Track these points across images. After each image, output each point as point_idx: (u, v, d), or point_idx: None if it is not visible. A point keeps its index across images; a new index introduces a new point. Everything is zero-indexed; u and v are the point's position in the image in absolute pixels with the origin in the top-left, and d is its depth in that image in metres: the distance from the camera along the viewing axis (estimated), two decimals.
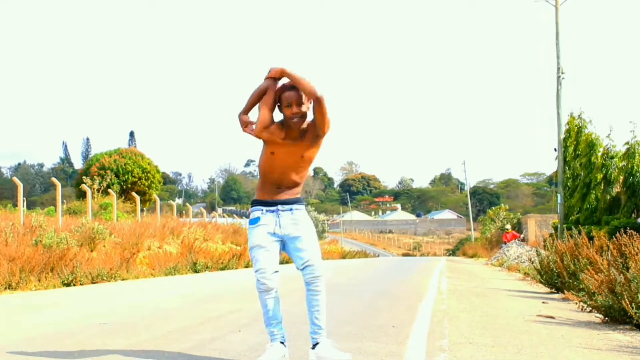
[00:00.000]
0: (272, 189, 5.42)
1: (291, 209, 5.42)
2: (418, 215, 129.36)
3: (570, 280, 12.50)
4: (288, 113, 5.25)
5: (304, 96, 5.22)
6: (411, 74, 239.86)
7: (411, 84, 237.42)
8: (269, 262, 5.38)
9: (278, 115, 5.35)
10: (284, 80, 5.33)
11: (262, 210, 5.41)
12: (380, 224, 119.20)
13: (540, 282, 15.02)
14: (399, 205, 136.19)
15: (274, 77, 5.30)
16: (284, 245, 5.47)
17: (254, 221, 5.42)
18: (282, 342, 5.42)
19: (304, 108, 5.24)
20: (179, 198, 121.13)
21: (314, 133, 5.33)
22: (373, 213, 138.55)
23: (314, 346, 5.40)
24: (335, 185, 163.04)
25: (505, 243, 35.04)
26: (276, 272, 5.40)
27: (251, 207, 5.53)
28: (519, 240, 34.63)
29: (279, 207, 5.39)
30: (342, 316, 8.54)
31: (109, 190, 28.82)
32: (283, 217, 5.39)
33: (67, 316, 8.64)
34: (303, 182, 5.57)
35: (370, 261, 35.88)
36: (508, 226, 40.91)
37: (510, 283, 17.30)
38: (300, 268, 5.42)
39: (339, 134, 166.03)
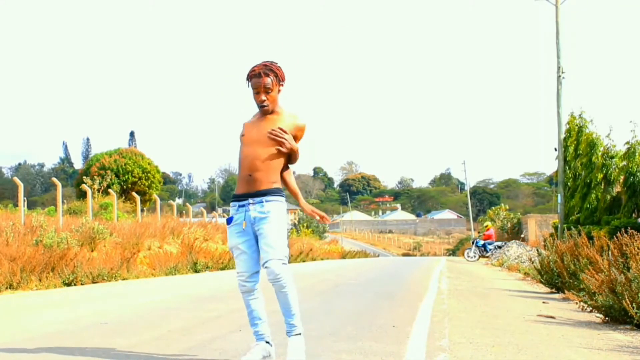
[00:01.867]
0: (244, 179, 5.34)
1: (261, 201, 5.29)
2: (418, 215, 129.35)
3: (571, 280, 12.50)
4: (257, 100, 5.34)
5: (271, 83, 5.28)
6: (411, 73, 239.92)
7: (411, 84, 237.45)
8: (247, 264, 5.32)
9: None
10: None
11: (235, 206, 5.37)
12: (380, 224, 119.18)
13: (541, 282, 15.02)
14: (399, 205, 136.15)
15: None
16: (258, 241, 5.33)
17: (229, 221, 5.40)
18: (267, 342, 5.42)
19: (272, 94, 5.32)
20: (179, 198, 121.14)
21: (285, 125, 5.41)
22: (373, 213, 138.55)
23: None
24: (335, 185, 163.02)
25: (480, 240, 35.29)
26: (256, 272, 5.34)
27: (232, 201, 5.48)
28: (493, 242, 35.03)
29: (249, 200, 5.30)
30: (342, 316, 8.55)
31: (109, 190, 28.83)
32: (253, 212, 5.28)
33: (68, 316, 8.64)
34: (278, 168, 5.39)
35: (371, 261, 35.85)
36: (488, 223, 40.77)
37: (511, 283, 17.30)
38: (263, 267, 5.30)
39: (339, 134, 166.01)
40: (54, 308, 9.71)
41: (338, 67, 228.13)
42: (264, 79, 5.26)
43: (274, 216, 5.26)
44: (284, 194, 5.40)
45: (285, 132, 5.30)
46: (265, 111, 5.35)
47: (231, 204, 5.43)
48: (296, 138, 5.42)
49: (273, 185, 5.32)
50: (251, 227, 5.29)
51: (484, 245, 33.96)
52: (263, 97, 5.29)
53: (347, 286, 13.48)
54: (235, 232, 5.33)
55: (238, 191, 5.38)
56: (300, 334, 5.34)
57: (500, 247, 32.85)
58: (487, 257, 33.48)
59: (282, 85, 5.38)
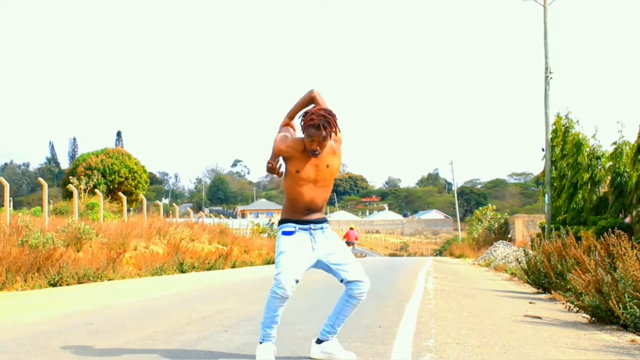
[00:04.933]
0: (302, 211, 5.51)
1: (322, 228, 5.54)
2: (405, 216, 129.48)
3: (558, 281, 12.53)
4: (309, 146, 5.35)
5: (327, 136, 5.32)
6: (398, 74, 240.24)
7: (399, 84, 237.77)
8: (297, 269, 5.38)
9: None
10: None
11: (295, 227, 5.49)
12: (367, 224, 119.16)
13: (528, 283, 15.05)
14: (386, 206, 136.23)
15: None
16: (316, 263, 5.53)
17: (290, 233, 5.48)
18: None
19: (326, 143, 5.36)
20: (165, 198, 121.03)
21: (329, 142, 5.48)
22: (360, 213, 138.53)
23: (319, 341, 5.59)
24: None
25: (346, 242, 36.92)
26: (297, 281, 5.39)
27: (281, 224, 5.57)
28: (354, 243, 37.04)
29: (311, 226, 5.49)
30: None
31: (96, 190, 28.69)
32: (317, 236, 5.50)
33: (54, 316, 8.59)
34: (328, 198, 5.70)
35: (357, 261, 35.92)
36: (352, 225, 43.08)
37: (497, 283, 17.33)
38: (348, 281, 5.52)
39: None
40: (40, 309, 9.66)
41: (325, 67, 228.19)
42: (321, 132, 5.28)
43: (338, 238, 5.69)
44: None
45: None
46: (314, 156, 5.39)
47: (285, 223, 5.54)
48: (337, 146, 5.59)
49: (324, 214, 5.69)
50: (316, 247, 5.49)
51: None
52: (316, 147, 5.34)
53: (334, 286, 13.44)
54: (301, 243, 5.46)
55: (295, 217, 5.52)
56: None
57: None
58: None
59: (336, 134, 5.47)
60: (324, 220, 5.57)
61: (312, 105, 5.53)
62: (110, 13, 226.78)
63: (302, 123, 5.36)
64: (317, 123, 5.26)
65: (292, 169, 5.43)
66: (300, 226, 5.48)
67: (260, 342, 5.44)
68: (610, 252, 9.34)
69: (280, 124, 5.71)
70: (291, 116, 5.69)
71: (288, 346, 6.11)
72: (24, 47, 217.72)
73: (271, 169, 5.54)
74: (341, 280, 5.54)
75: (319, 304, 10.22)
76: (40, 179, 21.50)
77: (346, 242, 38.99)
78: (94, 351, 5.88)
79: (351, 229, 41.27)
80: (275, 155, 5.49)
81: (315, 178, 5.44)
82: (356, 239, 40.32)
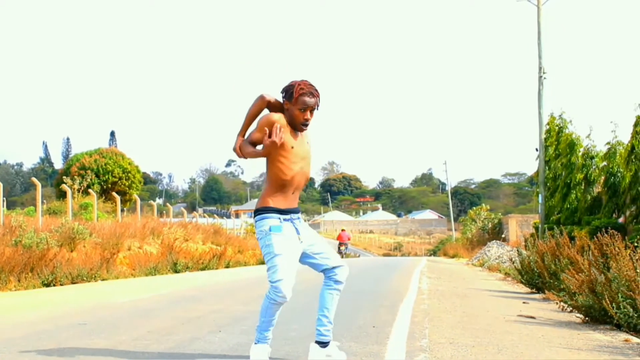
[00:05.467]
0: (287, 194, 5.34)
1: (299, 217, 5.44)
2: (399, 215, 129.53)
3: (551, 281, 12.54)
4: (301, 118, 5.26)
5: (319, 104, 5.32)
6: (393, 74, 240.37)
7: (393, 84, 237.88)
8: (294, 272, 5.29)
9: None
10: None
11: (280, 218, 5.29)
12: (361, 224, 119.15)
13: (521, 282, 15.07)
14: (380, 205, 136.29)
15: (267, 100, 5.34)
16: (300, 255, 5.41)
17: (278, 229, 5.25)
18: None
19: (311, 118, 5.33)
20: (159, 198, 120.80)
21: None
22: (354, 213, 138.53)
23: (322, 344, 5.46)
24: (316, 185, 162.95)
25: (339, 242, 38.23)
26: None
27: (259, 214, 5.33)
28: (347, 243, 38.66)
29: (292, 215, 5.36)
30: None
31: (89, 190, 28.66)
32: (299, 226, 5.37)
33: (47, 316, 8.57)
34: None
35: (351, 261, 35.85)
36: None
37: (491, 283, 17.35)
38: (332, 267, 5.49)
39: (321, 134, 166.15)
40: (33, 309, 9.64)
41: (319, 67, 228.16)
42: (315, 98, 5.27)
43: (313, 230, 5.59)
44: None
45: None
46: (302, 130, 5.33)
47: (266, 214, 5.28)
48: None
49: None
50: (301, 239, 5.36)
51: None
52: (309, 116, 5.28)
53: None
54: (290, 241, 5.28)
55: (277, 205, 5.30)
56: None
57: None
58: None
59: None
60: (299, 210, 5.48)
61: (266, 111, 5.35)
62: (104, 13, 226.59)
63: (290, 97, 5.24)
64: (309, 91, 5.23)
65: (288, 145, 5.25)
66: (284, 217, 5.30)
67: (255, 343, 5.37)
68: (604, 252, 9.36)
69: (235, 143, 5.40)
70: (243, 132, 5.39)
71: (282, 346, 6.10)
72: (17, 47, 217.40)
73: (274, 143, 5.16)
74: (322, 270, 5.48)
75: (311, 303, 10.21)
76: (34, 179, 21.44)
77: (339, 243, 39.49)
78: (87, 351, 5.86)
79: (342, 230, 41.74)
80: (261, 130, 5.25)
81: (304, 155, 5.36)
82: (349, 239, 40.96)
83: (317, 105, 5.30)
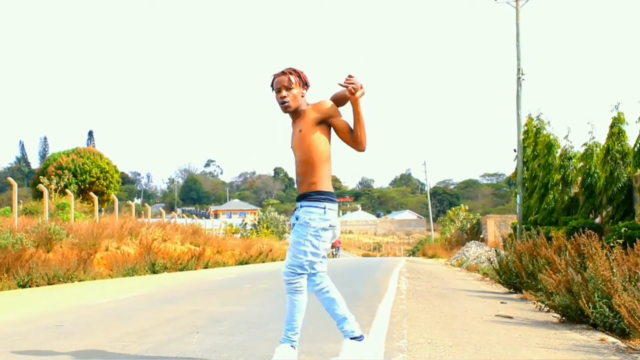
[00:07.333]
0: (297, 182, 5.42)
1: (301, 206, 5.28)
2: (378, 216, 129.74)
3: (529, 281, 12.60)
4: (278, 98, 5.27)
5: (291, 82, 5.24)
6: (371, 74, 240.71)
7: (372, 85, 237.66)
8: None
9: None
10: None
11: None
12: (340, 224, 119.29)
13: (499, 283, 15.13)
14: (359, 206, 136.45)
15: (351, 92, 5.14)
16: None
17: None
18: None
19: (294, 92, 5.24)
20: (137, 198, 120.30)
21: (323, 116, 5.25)
22: None
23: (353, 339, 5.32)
24: (296, 185, 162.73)
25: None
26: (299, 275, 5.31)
27: (325, 202, 5.27)
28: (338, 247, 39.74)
29: (297, 204, 5.34)
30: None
31: (67, 190, 28.48)
32: (297, 214, 5.29)
33: (23, 318, 8.51)
34: (315, 171, 5.24)
35: (330, 261, 35.95)
36: None
37: (470, 283, 17.41)
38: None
39: None
40: (8, 310, 9.57)
41: (297, 66, 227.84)
42: (285, 76, 5.24)
43: (299, 224, 5.22)
44: (324, 196, 5.23)
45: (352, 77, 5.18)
46: (285, 108, 5.26)
47: (329, 206, 5.28)
48: (333, 118, 5.27)
49: (311, 187, 5.24)
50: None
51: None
52: (284, 93, 5.22)
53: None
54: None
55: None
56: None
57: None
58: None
59: (306, 89, 5.33)
60: (304, 196, 5.31)
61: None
62: (82, 12, 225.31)
63: (271, 86, 5.34)
64: (281, 71, 5.30)
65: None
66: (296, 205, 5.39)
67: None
68: (581, 252, 9.41)
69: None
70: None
71: (261, 347, 6.09)
72: None
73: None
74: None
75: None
76: (10, 179, 21.28)
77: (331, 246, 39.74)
78: (63, 353, 5.82)
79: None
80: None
81: (295, 145, 5.38)
82: (339, 243, 41.65)
83: (290, 82, 5.22)
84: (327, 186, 5.25)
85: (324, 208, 5.18)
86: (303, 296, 5.27)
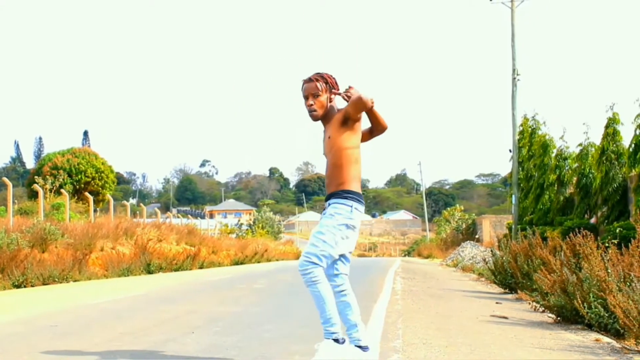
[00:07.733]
0: (326, 183, 5.49)
1: (329, 204, 5.36)
2: (373, 216, 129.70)
3: (524, 281, 12.61)
4: (306, 106, 5.31)
5: (318, 89, 5.26)
6: (366, 74, 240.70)
7: (366, 85, 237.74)
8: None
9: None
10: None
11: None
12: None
13: (495, 283, 15.14)
14: None
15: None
16: None
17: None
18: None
19: (321, 99, 5.26)
20: (133, 198, 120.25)
21: (343, 116, 5.24)
22: None
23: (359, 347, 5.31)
24: (291, 185, 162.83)
25: None
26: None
27: (351, 200, 5.39)
28: None
29: (326, 203, 5.42)
30: (297, 317, 8.51)
31: (62, 190, 28.41)
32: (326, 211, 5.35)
33: (18, 318, 8.50)
34: (343, 173, 5.35)
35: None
36: None
37: (465, 283, 17.42)
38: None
39: (295, 134, 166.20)
40: (3, 311, 9.55)
41: (290, 68, 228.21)
42: (312, 83, 5.25)
43: (326, 217, 5.32)
44: (353, 195, 5.33)
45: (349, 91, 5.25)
46: (313, 117, 5.31)
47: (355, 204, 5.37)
48: (356, 109, 5.19)
49: (339, 187, 5.32)
50: None
51: None
52: (311, 102, 5.26)
53: (302, 287, 13.45)
54: None
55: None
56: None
57: None
58: None
59: (334, 93, 5.34)
60: (332, 195, 5.42)
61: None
62: (76, 12, 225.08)
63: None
64: (309, 77, 5.32)
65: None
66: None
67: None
68: (576, 252, 9.42)
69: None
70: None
71: (255, 347, 6.09)
72: None
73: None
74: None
75: (285, 304, 10.22)
76: (5, 179, 21.24)
77: None
78: (59, 353, 5.81)
79: None
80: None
81: (326, 148, 5.48)
82: None
83: (317, 89, 5.25)
84: (355, 187, 5.35)
85: (351, 207, 5.27)
86: (323, 285, 5.23)
